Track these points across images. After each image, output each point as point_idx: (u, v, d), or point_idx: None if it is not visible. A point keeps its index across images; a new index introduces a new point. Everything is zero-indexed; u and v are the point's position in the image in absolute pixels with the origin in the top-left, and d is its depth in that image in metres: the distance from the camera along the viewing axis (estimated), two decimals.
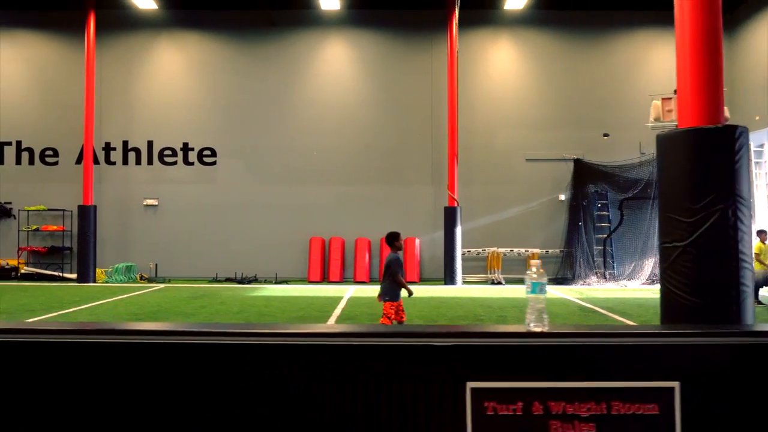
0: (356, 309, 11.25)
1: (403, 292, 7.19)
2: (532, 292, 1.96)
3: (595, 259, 15.95)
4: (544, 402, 1.89)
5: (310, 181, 16.92)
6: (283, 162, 16.99)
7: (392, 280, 7.07)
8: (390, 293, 7.11)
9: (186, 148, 17.18)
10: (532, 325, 1.93)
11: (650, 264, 15.63)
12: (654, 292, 14.19)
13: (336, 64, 17.35)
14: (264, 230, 16.75)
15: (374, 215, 16.70)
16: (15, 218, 17.09)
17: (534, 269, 1.98)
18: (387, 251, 16.41)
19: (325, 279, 16.29)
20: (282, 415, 1.74)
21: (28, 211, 16.93)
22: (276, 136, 17.06)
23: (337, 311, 11.01)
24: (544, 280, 1.99)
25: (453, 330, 1.97)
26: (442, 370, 1.85)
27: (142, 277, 16.35)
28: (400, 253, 7.43)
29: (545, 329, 1.92)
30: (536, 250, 16.14)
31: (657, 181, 5.08)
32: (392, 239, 7.26)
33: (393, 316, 7.08)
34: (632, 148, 16.72)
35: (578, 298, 12.93)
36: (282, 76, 17.18)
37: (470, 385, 1.83)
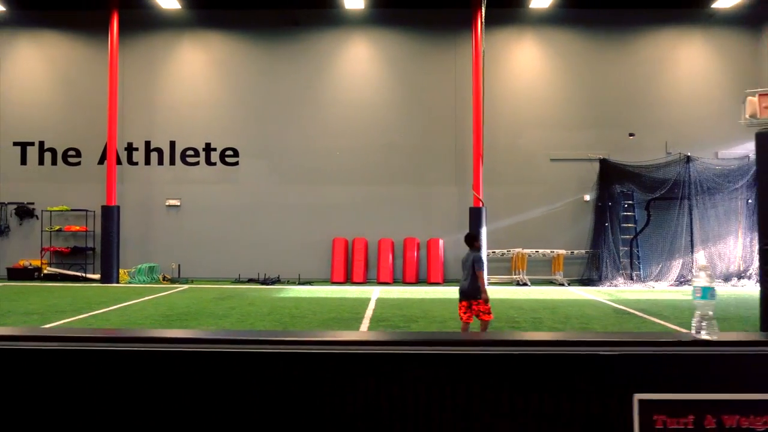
0: (388, 311, 11.14)
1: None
2: (702, 297, 1.85)
3: (621, 260, 15.78)
4: (717, 415, 1.77)
5: (333, 181, 16.84)
6: (305, 162, 16.92)
7: (475, 278, 7.19)
8: (479, 292, 7.23)
9: (208, 149, 17.14)
10: (703, 332, 1.82)
11: (678, 265, 15.46)
12: (684, 293, 14.02)
13: (359, 63, 17.27)
14: (286, 231, 16.67)
15: (397, 216, 16.60)
16: (38, 219, 17.09)
17: (704, 274, 1.86)
18: (411, 252, 16.36)
19: (348, 280, 16.20)
20: None
21: (51, 211, 16.92)
22: (299, 136, 16.99)
23: (369, 312, 10.91)
24: (714, 285, 1.87)
25: (618, 339, 1.85)
26: (607, 380, 1.74)
27: (164, 278, 16.31)
28: (480, 253, 7.54)
29: (716, 337, 1.80)
30: (561, 251, 15.99)
31: (756, 179, 4.92)
32: (472, 239, 7.52)
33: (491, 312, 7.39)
34: (658, 148, 16.56)
35: (609, 300, 12.77)
36: (305, 75, 17.11)
37: (637, 396, 1.72)
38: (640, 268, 15.87)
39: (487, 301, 7.19)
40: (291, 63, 17.16)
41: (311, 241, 16.56)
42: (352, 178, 16.83)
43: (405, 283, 16.08)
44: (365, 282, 16.11)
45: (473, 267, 7.15)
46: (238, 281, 16.19)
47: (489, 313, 7.26)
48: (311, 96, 17.14)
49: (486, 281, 7.34)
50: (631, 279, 15.57)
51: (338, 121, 17.02)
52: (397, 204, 16.71)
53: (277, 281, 16.01)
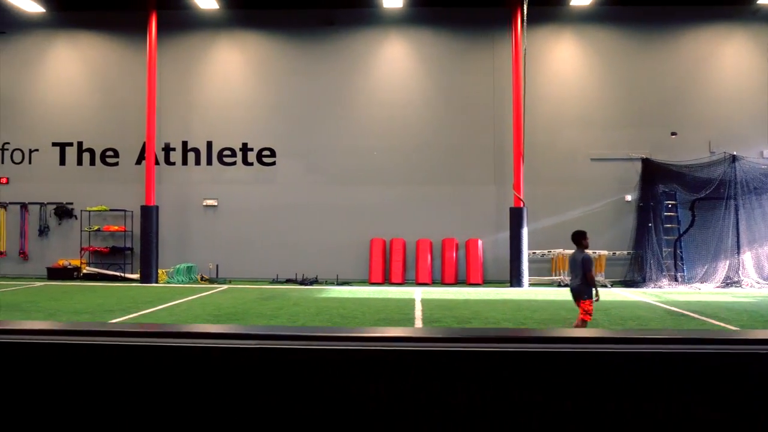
0: (436, 312, 11.01)
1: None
2: None
3: (665, 261, 15.48)
4: None
5: (370, 181, 16.74)
6: (342, 162, 16.85)
7: (584, 278, 7.18)
8: (587, 291, 7.29)
9: (245, 149, 17.13)
10: None
11: (724, 266, 15.14)
12: (733, 295, 13.71)
13: (395, 62, 17.16)
14: (324, 231, 16.61)
15: (435, 216, 16.46)
16: (76, 219, 17.21)
17: None
18: (450, 253, 16.21)
19: (386, 281, 16.09)
20: None
21: (89, 211, 17.03)
22: (335, 136, 16.92)
23: (417, 313, 10.78)
24: None
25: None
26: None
27: (202, 278, 16.34)
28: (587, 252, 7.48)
29: None
30: (603, 252, 15.73)
31: None
32: (580, 238, 7.45)
33: (591, 314, 7.41)
34: (701, 147, 16.25)
35: (657, 302, 12.51)
36: (341, 75, 17.05)
37: None
38: (684, 269, 15.56)
39: (597, 301, 7.30)
40: (327, 62, 17.10)
41: (348, 242, 16.47)
42: (389, 178, 16.72)
43: (444, 284, 15.93)
44: (404, 283, 15.98)
45: (583, 267, 7.21)
46: (275, 281, 16.15)
47: (589, 314, 7.38)
48: (347, 96, 17.07)
49: (595, 282, 7.49)
50: (675, 280, 15.28)
51: (375, 121, 16.93)
52: (435, 204, 16.57)
53: (315, 282, 15.94)
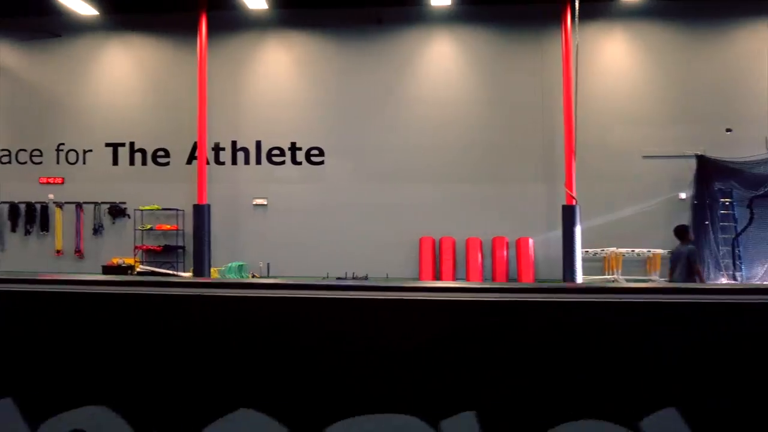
0: None
1: None
2: None
3: (723, 259, 15.19)
4: None
5: (418, 179, 16.74)
6: (390, 160, 16.88)
7: (690, 271, 7.12)
8: None
9: (294, 148, 17.28)
10: None
11: None
12: None
13: (443, 61, 17.13)
14: (373, 229, 16.66)
15: (484, 214, 16.39)
16: (129, 218, 17.55)
17: None
18: (500, 251, 16.10)
19: (437, 279, 16.07)
20: None
21: (142, 210, 17.35)
22: (383, 135, 16.96)
23: None
24: None
25: None
26: None
27: (253, 276, 16.52)
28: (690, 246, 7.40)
29: None
30: (659, 251, 15.49)
31: None
32: (685, 232, 7.44)
33: None
34: (758, 143, 15.88)
35: None
36: (388, 74, 17.08)
37: None
38: (742, 268, 15.24)
39: None
40: (374, 61, 17.15)
41: (397, 240, 16.50)
42: (437, 176, 16.70)
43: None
44: (454, 281, 15.95)
45: (688, 261, 7.13)
46: (326, 279, 16.25)
47: None
48: (395, 94, 17.10)
49: (703, 275, 7.32)
50: (734, 279, 14.97)
51: (423, 119, 16.92)
52: (484, 202, 16.50)
53: (365, 279, 16.01)
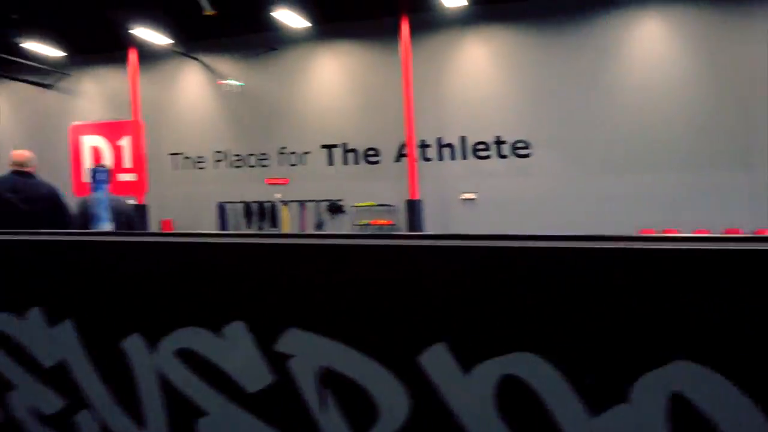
0: None
1: None
2: None
3: None
4: None
5: (633, 169, 16.06)
6: (601, 150, 16.36)
7: None
8: None
9: (498, 142, 17.43)
10: None
11: None
12: None
13: (651, 43, 16.03)
14: (586, 222, 16.37)
15: (712, 204, 15.32)
16: (346, 213, 19.07)
17: None
18: None
19: None
20: None
21: (357, 207, 18.75)
22: (591, 125, 16.44)
23: None
24: None
25: None
26: None
27: None
28: None
29: None
30: None
31: None
32: None
33: None
34: None
35: None
36: (593, 61, 16.40)
37: None
38: None
39: None
40: (577, 49, 16.54)
41: (615, 233, 16.04)
42: (654, 165, 15.88)
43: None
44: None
45: None
46: None
47: None
48: (601, 82, 16.40)
49: None
50: None
51: (634, 107, 16.07)
52: (710, 192, 15.41)
53: None
